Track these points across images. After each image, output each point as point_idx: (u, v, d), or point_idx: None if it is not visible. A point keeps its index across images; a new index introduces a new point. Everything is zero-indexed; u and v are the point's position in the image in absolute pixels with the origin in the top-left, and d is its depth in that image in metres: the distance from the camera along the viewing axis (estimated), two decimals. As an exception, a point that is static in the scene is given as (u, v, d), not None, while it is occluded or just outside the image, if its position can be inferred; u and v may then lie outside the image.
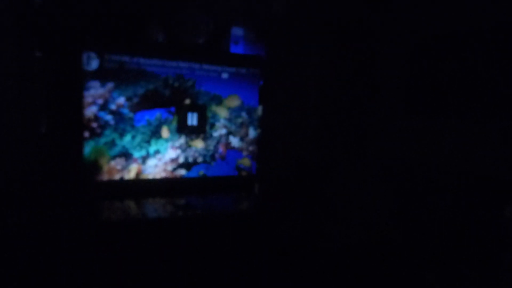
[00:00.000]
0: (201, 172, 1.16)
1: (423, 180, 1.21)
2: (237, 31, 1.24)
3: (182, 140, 1.12)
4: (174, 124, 1.10)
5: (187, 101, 1.10)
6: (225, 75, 1.16)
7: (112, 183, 1.03)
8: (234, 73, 1.18)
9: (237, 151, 1.21)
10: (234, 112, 1.19)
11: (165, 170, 1.10)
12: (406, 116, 1.28)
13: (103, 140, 1.01)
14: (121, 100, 1.02)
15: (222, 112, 1.17)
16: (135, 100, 1.04)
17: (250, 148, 1.23)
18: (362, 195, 1.37)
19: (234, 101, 1.18)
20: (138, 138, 1.05)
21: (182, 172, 1.12)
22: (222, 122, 1.17)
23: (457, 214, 1.10)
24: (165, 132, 1.08)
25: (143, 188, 1.07)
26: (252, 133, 1.22)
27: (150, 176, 1.08)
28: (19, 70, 0.93)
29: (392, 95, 1.35)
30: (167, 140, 1.09)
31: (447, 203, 1.13)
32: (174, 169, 1.11)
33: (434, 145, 1.18)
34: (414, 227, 1.23)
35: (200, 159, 1.15)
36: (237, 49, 1.26)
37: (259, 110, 1.24)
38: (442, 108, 1.16)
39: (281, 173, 1.34)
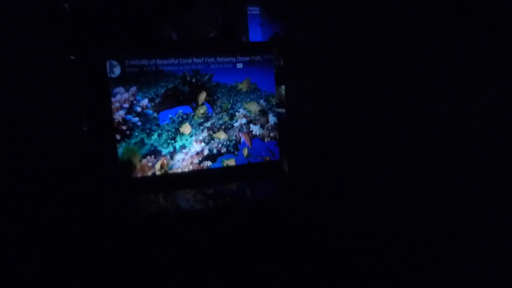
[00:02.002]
0: (224, 162, 1.27)
1: (453, 152, 1.23)
2: (253, 13, 1.31)
3: (205, 133, 1.24)
4: (196, 119, 1.22)
5: (203, 95, 1.20)
6: (240, 65, 1.24)
7: (145, 179, 1.18)
8: (248, 62, 1.25)
9: (260, 139, 1.31)
10: (251, 100, 1.28)
11: (192, 163, 1.23)
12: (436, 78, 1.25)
13: (133, 140, 1.15)
14: (145, 101, 1.14)
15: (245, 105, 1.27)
16: (157, 100, 1.16)
17: (272, 134, 1.32)
18: (386, 168, 1.40)
19: (245, 85, 1.26)
20: (164, 136, 1.18)
21: (208, 163, 1.25)
22: (241, 111, 1.27)
23: (494, 180, 1.11)
24: (187, 128, 1.20)
25: (174, 181, 1.20)
26: (272, 119, 1.31)
27: (179, 170, 1.21)
28: (57, 71, 1.07)
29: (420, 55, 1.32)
30: (190, 135, 1.22)
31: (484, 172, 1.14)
32: (200, 162, 1.24)
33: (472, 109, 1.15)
34: (446, 195, 1.25)
35: (224, 150, 1.26)
36: (255, 32, 1.32)
37: (282, 90, 1.31)
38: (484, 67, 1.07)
39: (304, 154, 1.40)
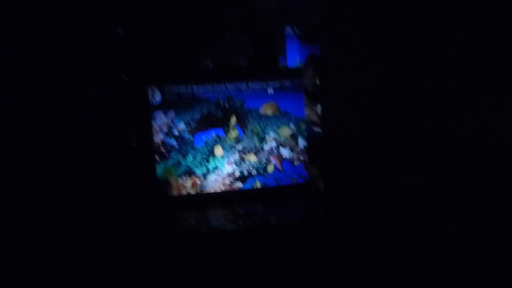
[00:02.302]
0: (255, 184, 1.32)
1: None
2: (291, 33, 1.38)
3: (236, 155, 1.31)
4: (228, 142, 1.29)
5: (233, 120, 1.28)
6: (270, 90, 1.32)
7: (180, 197, 1.27)
8: (279, 87, 1.32)
9: (289, 162, 1.35)
10: (283, 125, 1.33)
11: (223, 183, 1.30)
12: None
13: (170, 161, 1.25)
14: (182, 125, 1.25)
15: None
16: (193, 124, 1.25)
17: (301, 157, 1.36)
18: (422, 190, 1.37)
19: (269, 109, 1.32)
20: (199, 157, 1.27)
21: (239, 184, 1.31)
22: (271, 135, 1.33)
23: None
24: (219, 150, 1.28)
25: (206, 200, 1.28)
26: (301, 143, 1.36)
27: (212, 190, 1.29)
28: (110, 91, 1.19)
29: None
30: (223, 157, 1.29)
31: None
32: (232, 182, 1.31)
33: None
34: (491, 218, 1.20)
35: (254, 172, 1.32)
36: (293, 52, 1.39)
37: (317, 110, 1.34)
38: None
39: (336, 176, 1.41)
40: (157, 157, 1.23)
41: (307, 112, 1.46)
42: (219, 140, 1.28)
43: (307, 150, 1.36)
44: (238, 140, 1.30)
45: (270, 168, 1.33)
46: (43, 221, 1.12)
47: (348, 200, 1.33)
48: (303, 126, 1.35)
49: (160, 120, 1.22)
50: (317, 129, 1.37)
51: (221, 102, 1.27)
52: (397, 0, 1.29)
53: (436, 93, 1.37)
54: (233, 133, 1.29)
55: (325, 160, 1.37)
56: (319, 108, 1.36)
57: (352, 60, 1.35)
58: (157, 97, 1.22)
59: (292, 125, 1.34)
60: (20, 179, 1.12)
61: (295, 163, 1.35)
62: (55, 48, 1.14)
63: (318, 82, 1.36)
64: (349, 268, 1.20)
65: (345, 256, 1.21)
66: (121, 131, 1.22)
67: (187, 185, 1.27)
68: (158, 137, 1.22)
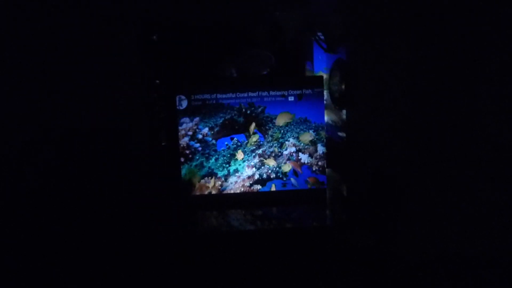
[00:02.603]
0: (274, 187, 1.38)
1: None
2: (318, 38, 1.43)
3: (256, 159, 1.38)
4: (249, 146, 1.36)
5: (252, 127, 1.35)
6: (291, 98, 1.37)
7: (202, 197, 1.35)
8: (299, 95, 1.37)
9: (308, 167, 1.39)
10: (302, 131, 1.38)
11: (243, 186, 1.37)
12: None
13: (194, 163, 1.34)
14: (206, 130, 1.34)
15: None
16: (216, 129, 1.34)
17: (320, 163, 1.39)
18: (451, 204, 1.34)
19: (283, 118, 1.37)
20: (220, 160, 1.35)
21: (258, 187, 1.37)
22: (291, 141, 1.38)
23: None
24: (240, 154, 1.35)
25: (226, 201, 1.36)
26: (320, 149, 1.39)
27: (232, 191, 1.36)
28: (145, 93, 1.32)
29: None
30: (243, 160, 1.37)
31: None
32: (251, 185, 1.37)
33: None
34: None
35: (273, 175, 1.38)
36: (320, 57, 1.44)
37: (342, 115, 1.35)
38: None
39: (357, 184, 1.42)
40: (182, 159, 1.33)
41: (331, 117, 1.49)
42: (240, 145, 1.36)
43: (326, 156, 1.39)
44: (258, 145, 1.37)
45: (289, 172, 1.38)
46: (81, 216, 1.25)
47: (370, 207, 1.32)
48: (322, 132, 1.39)
49: (186, 125, 1.33)
50: (341, 134, 1.40)
51: (243, 108, 1.36)
52: (424, 6, 1.30)
53: (465, 102, 1.33)
54: (254, 138, 1.36)
55: (348, 166, 1.39)
56: (344, 114, 1.38)
57: (379, 66, 1.35)
58: (184, 103, 1.32)
59: (311, 132, 1.38)
60: (63, 175, 1.28)
61: (314, 169, 1.39)
62: (96, 52, 1.29)
63: (344, 87, 1.39)
64: (366, 276, 1.20)
65: (363, 264, 1.21)
66: (152, 133, 1.34)
67: (209, 186, 1.36)
68: (184, 140, 1.33)
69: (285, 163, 1.38)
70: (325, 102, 1.43)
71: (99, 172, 1.29)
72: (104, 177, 1.28)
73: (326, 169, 1.40)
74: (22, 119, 1.25)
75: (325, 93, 1.46)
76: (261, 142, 1.37)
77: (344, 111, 1.40)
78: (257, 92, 1.35)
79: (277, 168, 1.38)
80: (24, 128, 1.25)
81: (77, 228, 1.21)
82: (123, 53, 1.28)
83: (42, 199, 1.24)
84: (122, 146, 1.29)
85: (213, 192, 1.36)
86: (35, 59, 1.26)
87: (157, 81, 1.33)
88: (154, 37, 1.34)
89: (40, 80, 1.26)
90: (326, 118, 1.44)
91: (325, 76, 1.52)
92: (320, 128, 1.38)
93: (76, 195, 1.25)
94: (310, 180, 1.38)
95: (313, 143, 1.38)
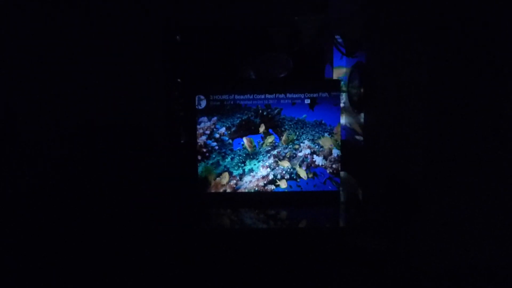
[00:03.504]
0: (287, 188, 1.41)
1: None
2: (338, 41, 1.45)
3: (271, 160, 1.41)
4: (264, 146, 1.40)
5: (262, 128, 1.39)
6: (307, 101, 1.40)
7: (217, 194, 1.41)
8: (316, 98, 1.39)
9: (322, 169, 1.42)
10: (317, 134, 1.41)
11: (257, 185, 1.41)
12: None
13: (210, 161, 1.40)
14: (223, 130, 1.39)
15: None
16: (233, 129, 1.39)
17: (334, 166, 1.41)
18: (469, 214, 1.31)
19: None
20: (236, 159, 1.40)
21: (271, 187, 1.41)
22: (306, 143, 1.41)
23: None
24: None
25: (241, 199, 1.40)
26: (335, 152, 1.41)
27: (246, 190, 1.41)
28: (165, 92, 1.38)
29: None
30: (259, 160, 1.41)
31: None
32: (265, 185, 1.41)
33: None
34: None
35: (287, 176, 1.41)
36: (339, 59, 1.46)
37: (361, 118, 1.36)
38: None
39: (373, 186, 1.42)
40: (199, 157, 1.39)
41: (348, 120, 1.50)
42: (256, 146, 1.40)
43: (341, 159, 1.41)
44: (273, 146, 1.41)
45: (303, 174, 1.41)
46: (92, 212, 1.31)
47: (383, 211, 1.32)
48: (336, 136, 1.41)
49: (204, 124, 1.39)
50: (358, 138, 1.41)
51: (260, 109, 1.40)
52: (445, 9, 1.28)
53: (487, 107, 1.30)
54: (269, 139, 1.40)
55: (364, 170, 1.39)
56: (362, 117, 1.39)
57: (398, 70, 1.35)
58: (203, 103, 1.38)
59: (326, 134, 1.40)
60: (79, 172, 1.34)
61: (328, 171, 1.41)
62: (122, 50, 1.37)
63: (362, 90, 1.41)
64: (375, 280, 1.20)
65: (373, 268, 1.22)
66: (171, 131, 1.41)
67: (224, 184, 1.41)
68: (201, 139, 1.39)
69: (299, 164, 1.41)
70: (343, 105, 1.45)
71: (116, 168, 1.35)
72: (121, 172, 1.35)
73: (341, 172, 1.42)
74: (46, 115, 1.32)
75: (344, 96, 1.48)
76: (276, 143, 1.41)
77: (362, 115, 1.41)
78: (274, 94, 1.39)
79: (292, 169, 1.41)
80: (44, 124, 1.32)
81: (90, 225, 1.26)
82: (147, 52, 1.35)
83: (60, 193, 1.30)
84: (141, 143, 1.35)
85: (228, 190, 1.41)
86: (51, 59, 1.32)
87: (178, 80, 1.39)
88: (178, 37, 1.41)
89: (67, 78, 1.34)
90: (343, 121, 1.46)
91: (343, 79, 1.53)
92: (334, 131, 1.40)
93: (91, 191, 1.31)
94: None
95: (328, 146, 1.40)
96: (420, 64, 1.32)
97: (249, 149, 1.38)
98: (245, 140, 1.38)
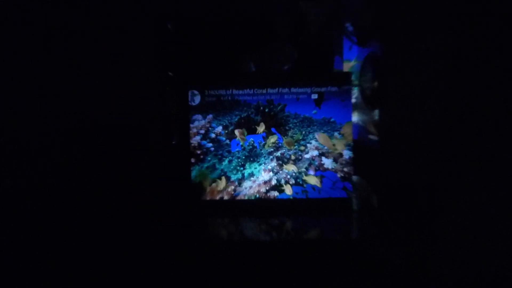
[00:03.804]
0: (292, 194, 1.25)
1: None
2: (349, 30, 1.31)
3: (274, 163, 1.26)
4: (266, 148, 1.25)
5: (262, 128, 1.24)
6: (314, 96, 1.25)
7: (213, 202, 1.25)
8: (324, 93, 1.24)
9: (332, 173, 1.26)
10: (326, 133, 1.25)
11: (259, 191, 1.25)
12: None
13: (205, 164, 1.24)
14: (219, 129, 1.24)
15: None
16: (231, 127, 1.24)
17: (345, 169, 1.26)
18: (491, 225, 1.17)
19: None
20: (234, 162, 1.25)
21: (275, 193, 1.25)
22: (313, 143, 1.25)
23: None
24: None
25: (240, 207, 1.24)
26: (346, 153, 1.26)
27: (245, 197, 1.25)
28: (156, 87, 1.23)
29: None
30: (260, 163, 1.25)
31: None
32: (267, 191, 1.25)
33: None
34: None
35: (292, 181, 1.25)
36: (350, 53, 1.33)
37: (375, 116, 1.24)
38: None
39: (387, 192, 1.27)
40: (192, 160, 1.24)
41: (361, 117, 1.36)
42: (257, 146, 1.25)
43: (353, 161, 1.25)
44: (277, 146, 1.25)
45: (310, 179, 1.25)
46: (78, 216, 1.18)
47: (400, 220, 1.19)
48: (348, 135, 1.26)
49: (198, 122, 1.24)
50: (372, 137, 1.26)
51: (261, 106, 1.25)
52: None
53: None
54: (272, 139, 1.25)
55: (378, 173, 1.25)
56: (376, 114, 1.25)
57: (417, 61, 1.21)
58: (197, 99, 1.23)
59: (336, 134, 1.25)
60: (63, 174, 1.21)
61: (339, 175, 1.26)
62: (110, 39, 1.22)
63: (376, 84, 1.26)
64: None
65: (390, 283, 1.08)
66: (162, 130, 1.26)
67: (220, 190, 1.25)
68: (195, 139, 1.24)
69: (306, 168, 1.25)
70: (355, 100, 1.30)
71: (100, 171, 1.21)
72: (105, 176, 1.21)
73: (353, 176, 1.27)
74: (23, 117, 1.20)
75: (356, 90, 1.33)
76: (280, 144, 1.25)
77: (376, 111, 1.26)
78: (277, 89, 1.24)
79: (297, 174, 1.26)
80: (25, 126, 1.20)
81: (76, 228, 1.14)
82: (136, 41, 1.21)
83: (45, 197, 1.18)
84: (128, 143, 1.21)
85: (225, 197, 1.25)
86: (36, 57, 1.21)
87: (170, 73, 1.24)
88: (169, 26, 1.26)
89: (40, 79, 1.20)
90: (355, 118, 1.31)
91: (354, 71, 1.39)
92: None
93: (76, 195, 1.19)
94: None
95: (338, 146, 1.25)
96: (440, 52, 1.19)
97: (241, 141, 1.23)
98: (237, 132, 1.24)
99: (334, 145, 1.25)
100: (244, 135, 1.22)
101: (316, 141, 1.25)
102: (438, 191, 1.23)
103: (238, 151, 1.25)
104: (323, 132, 1.25)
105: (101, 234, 1.13)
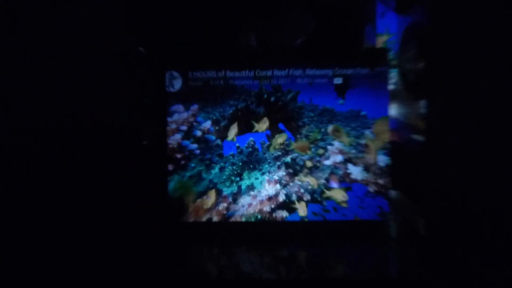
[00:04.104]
0: (308, 215, 0.99)
1: None
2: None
3: (282, 171, 0.98)
4: (272, 151, 0.99)
5: (265, 125, 0.99)
6: (338, 80, 0.98)
7: (198, 225, 1.00)
8: (351, 77, 0.98)
9: (362, 185, 0.98)
10: (354, 131, 0.97)
11: (261, 211, 0.99)
12: None
13: (188, 173, 0.99)
14: (207, 124, 0.98)
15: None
16: (223, 123, 0.98)
17: (380, 181, 0.96)
18: None
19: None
20: (228, 171, 0.99)
21: (283, 214, 0.99)
22: (336, 145, 0.97)
23: None
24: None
25: (235, 232, 1.00)
26: (381, 158, 0.97)
27: (243, 219, 0.99)
28: (122, 67, 0.99)
29: None
30: (263, 172, 0.96)
31: None
32: (273, 210, 0.99)
33: None
34: None
35: (307, 197, 0.98)
36: (384, 21, 1.11)
37: (420, 108, 1.03)
38: None
39: (435, 214, 1.03)
40: (170, 167, 0.98)
41: (401, 110, 1.14)
42: (258, 149, 1.00)
43: (390, 170, 0.99)
44: (286, 148, 0.99)
45: (335, 194, 0.99)
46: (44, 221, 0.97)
47: (457, 253, 0.99)
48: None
49: (179, 115, 0.98)
50: (416, 138, 1.05)
51: (265, 93, 0.97)
52: None
53: None
54: (280, 139, 0.99)
55: (425, 187, 1.04)
56: (422, 105, 1.03)
57: (478, 34, 1.01)
58: (177, 83, 0.97)
59: (367, 132, 0.98)
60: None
61: (371, 189, 0.99)
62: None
63: (422, 65, 1.05)
64: None
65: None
66: (129, 125, 0.98)
67: (209, 208, 0.99)
68: (174, 139, 0.98)
69: (326, 178, 0.96)
70: (393, 87, 1.07)
71: (55, 174, 0.97)
72: (60, 181, 0.96)
73: (390, 191, 1.01)
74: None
75: (394, 73, 1.10)
76: (290, 145, 1.00)
77: (422, 102, 1.04)
78: (286, 70, 0.99)
79: (315, 187, 0.98)
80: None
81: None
82: (97, 6, 0.94)
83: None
84: (79, 142, 0.95)
85: (215, 218, 0.99)
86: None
87: (141, 49, 0.97)
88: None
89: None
90: (393, 112, 1.08)
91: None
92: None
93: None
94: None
95: (370, 149, 0.97)
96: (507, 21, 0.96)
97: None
98: (233, 129, 1.01)
99: (366, 146, 0.96)
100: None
101: (340, 142, 0.96)
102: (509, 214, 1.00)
103: (233, 155, 0.99)
104: (337, 125, 0.99)
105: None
